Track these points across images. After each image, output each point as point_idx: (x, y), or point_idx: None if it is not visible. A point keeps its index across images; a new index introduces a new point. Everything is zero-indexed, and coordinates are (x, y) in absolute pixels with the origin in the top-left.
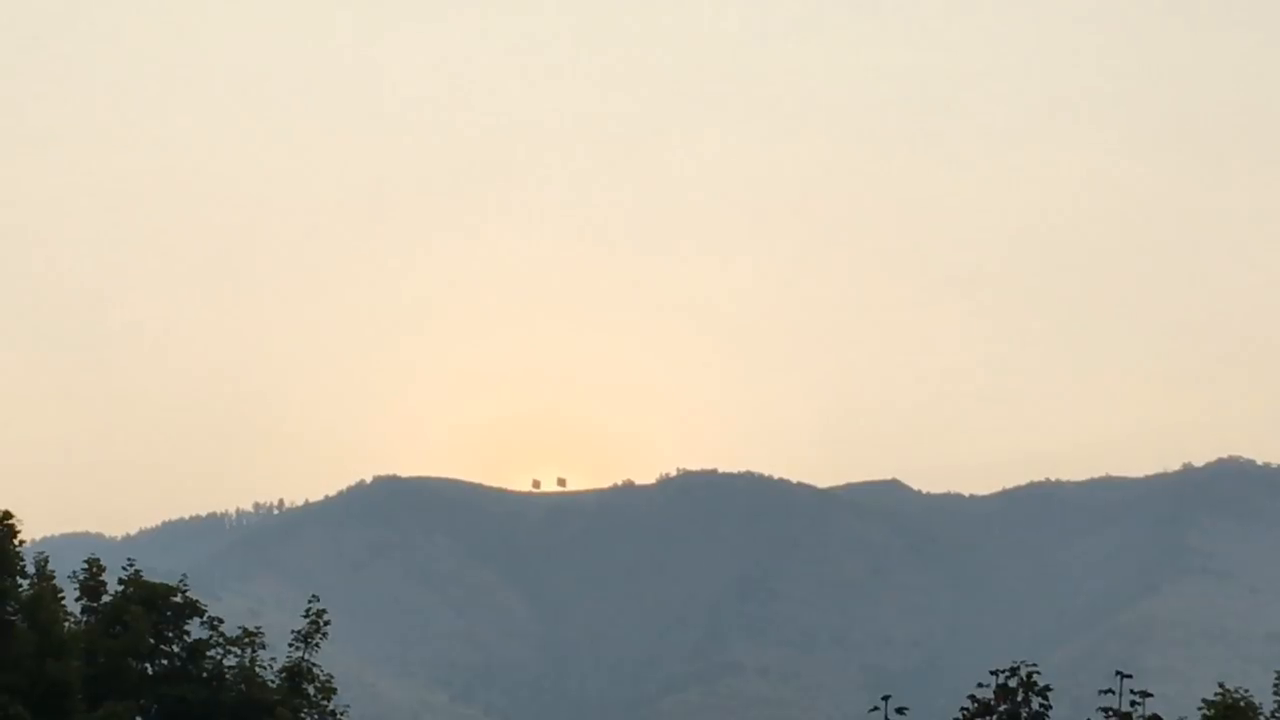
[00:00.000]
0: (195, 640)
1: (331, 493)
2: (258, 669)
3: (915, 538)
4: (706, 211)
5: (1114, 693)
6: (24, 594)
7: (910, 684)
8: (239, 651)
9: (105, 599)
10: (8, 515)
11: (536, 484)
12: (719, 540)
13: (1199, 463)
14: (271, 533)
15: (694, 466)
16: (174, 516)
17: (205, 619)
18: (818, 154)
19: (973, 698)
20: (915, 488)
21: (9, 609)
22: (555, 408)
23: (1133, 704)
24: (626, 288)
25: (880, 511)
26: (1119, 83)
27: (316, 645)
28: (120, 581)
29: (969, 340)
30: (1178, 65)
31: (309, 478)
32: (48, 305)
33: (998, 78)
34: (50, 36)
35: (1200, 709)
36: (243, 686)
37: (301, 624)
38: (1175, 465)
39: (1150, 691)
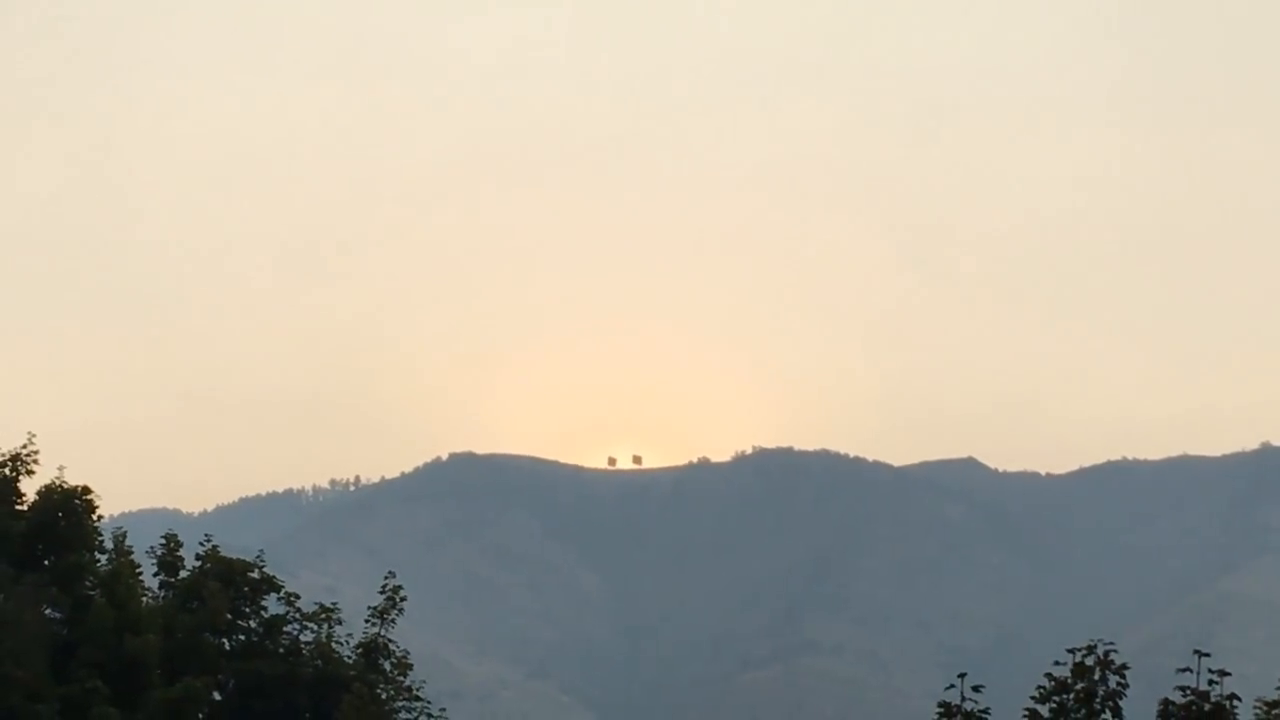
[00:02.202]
0: (272, 616)
1: (408, 469)
2: (334, 645)
3: (992, 516)
4: (786, 189)
5: (1192, 671)
6: (102, 569)
7: (986, 662)
8: (315, 627)
9: (183, 574)
10: (86, 490)
11: (612, 461)
12: (794, 518)
13: (1277, 441)
14: (348, 509)
15: (769, 444)
16: (251, 493)
17: (282, 595)
18: (892, 135)
19: (1049, 676)
20: (992, 466)
21: (87, 584)
22: (631, 385)
23: (1210, 683)
24: (703, 265)
25: (956, 490)
26: (1170, 53)
27: (392, 621)
28: (197, 557)
29: (1047, 318)
30: (1222, 34)
31: (385, 455)
32: (127, 280)
33: (1056, 53)
34: (132, 19)
35: (1279, 688)
36: (319, 662)
37: (378, 600)
38: (1253, 444)
39: (1228, 670)
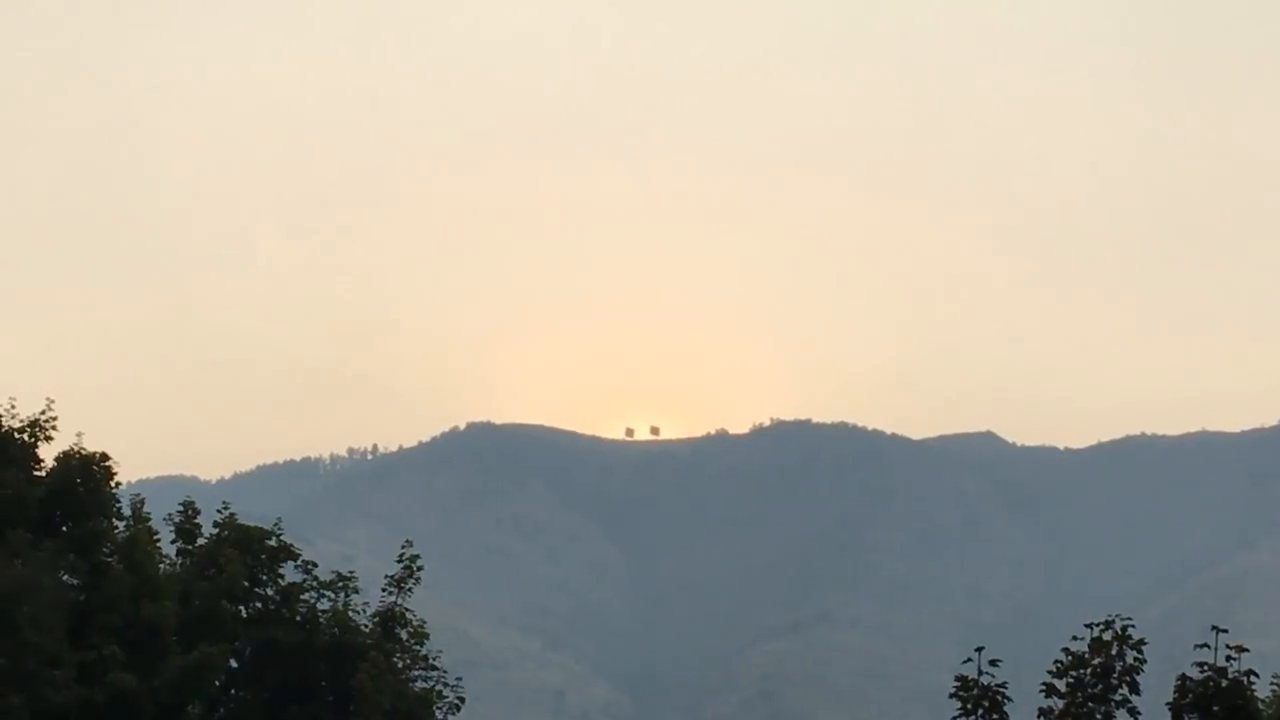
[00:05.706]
0: (289, 584)
1: (425, 438)
2: (351, 613)
3: (1010, 490)
4: (802, 158)
5: (1209, 647)
6: (120, 536)
7: (1003, 636)
8: (332, 595)
9: (200, 542)
10: (104, 457)
11: (630, 432)
12: (812, 491)
13: None
14: (365, 478)
15: (788, 416)
16: (269, 460)
17: (299, 563)
18: (912, 105)
19: (1066, 650)
20: (1010, 440)
21: (105, 551)
22: (649, 355)
23: (1228, 658)
24: (721, 236)
25: (975, 463)
26: (1190, 32)
27: (409, 590)
28: (215, 524)
29: (1066, 292)
30: (1240, 15)
31: (403, 423)
32: (145, 247)
33: (1078, 32)
34: None
35: None
36: (335, 630)
37: (395, 569)
38: (1273, 420)
39: (1246, 646)
